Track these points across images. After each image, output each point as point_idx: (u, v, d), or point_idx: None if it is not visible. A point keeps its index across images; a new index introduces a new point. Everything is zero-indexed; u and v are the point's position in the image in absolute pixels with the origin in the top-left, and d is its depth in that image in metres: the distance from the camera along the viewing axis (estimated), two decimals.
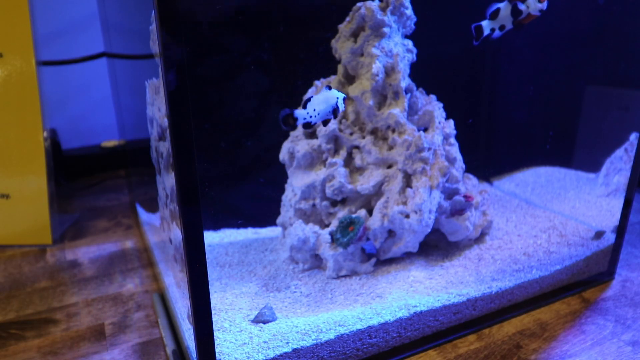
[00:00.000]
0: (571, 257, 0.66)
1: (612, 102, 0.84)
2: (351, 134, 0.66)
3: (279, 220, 0.70)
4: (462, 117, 0.69)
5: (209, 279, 0.42)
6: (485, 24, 0.55)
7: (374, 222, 0.62)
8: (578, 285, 0.67)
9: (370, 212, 0.65)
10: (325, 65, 0.69)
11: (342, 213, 0.65)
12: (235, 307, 0.56)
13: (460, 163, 0.69)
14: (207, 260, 0.43)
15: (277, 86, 0.75)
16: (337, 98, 0.50)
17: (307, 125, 0.50)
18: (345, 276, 0.63)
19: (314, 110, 0.49)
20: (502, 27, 0.55)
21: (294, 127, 0.50)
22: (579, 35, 0.82)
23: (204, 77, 0.69)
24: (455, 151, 0.69)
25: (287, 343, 0.49)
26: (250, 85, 0.73)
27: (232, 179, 0.76)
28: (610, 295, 0.66)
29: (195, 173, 0.38)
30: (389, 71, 0.64)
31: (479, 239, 0.70)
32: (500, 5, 0.54)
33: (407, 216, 0.61)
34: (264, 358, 0.47)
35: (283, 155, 0.69)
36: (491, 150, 0.96)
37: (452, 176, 0.66)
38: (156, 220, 0.64)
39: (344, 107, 0.51)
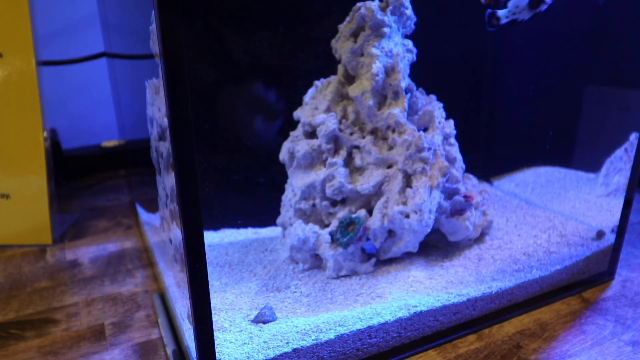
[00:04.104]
0: (571, 257, 0.66)
1: (612, 102, 0.84)
2: (351, 134, 0.66)
3: (279, 220, 0.70)
4: (462, 117, 0.70)
5: (209, 279, 0.42)
6: None
7: (374, 222, 0.62)
8: (578, 285, 0.67)
9: (370, 212, 0.65)
10: (326, 65, 0.69)
11: (342, 213, 0.65)
12: (235, 307, 0.56)
13: (460, 163, 0.69)
14: (207, 260, 0.43)
15: (277, 86, 0.75)
16: None
17: (513, 23, 0.47)
18: (345, 276, 0.63)
19: (516, 7, 0.46)
20: None
21: (497, 27, 0.48)
22: (579, 35, 0.82)
23: (204, 77, 0.69)
24: (455, 151, 0.69)
25: (287, 343, 0.49)
26: (251, 85, 0.73)
27: (232, 179, 0.76)
28: (610, 295, 0.66)
29: (195, 173, 0.38)
30: (389, 71, 0.64)
31: (479, 239, 0.70)
32: None
33: (407, 216, 0.61)
34: (264, 358, 0.47)
35: (283, 155, 0.69)
36: (491, 150, 0.96)
37: (452, 176, 0.66)
38: (156, 220, 0.64)
39: None
